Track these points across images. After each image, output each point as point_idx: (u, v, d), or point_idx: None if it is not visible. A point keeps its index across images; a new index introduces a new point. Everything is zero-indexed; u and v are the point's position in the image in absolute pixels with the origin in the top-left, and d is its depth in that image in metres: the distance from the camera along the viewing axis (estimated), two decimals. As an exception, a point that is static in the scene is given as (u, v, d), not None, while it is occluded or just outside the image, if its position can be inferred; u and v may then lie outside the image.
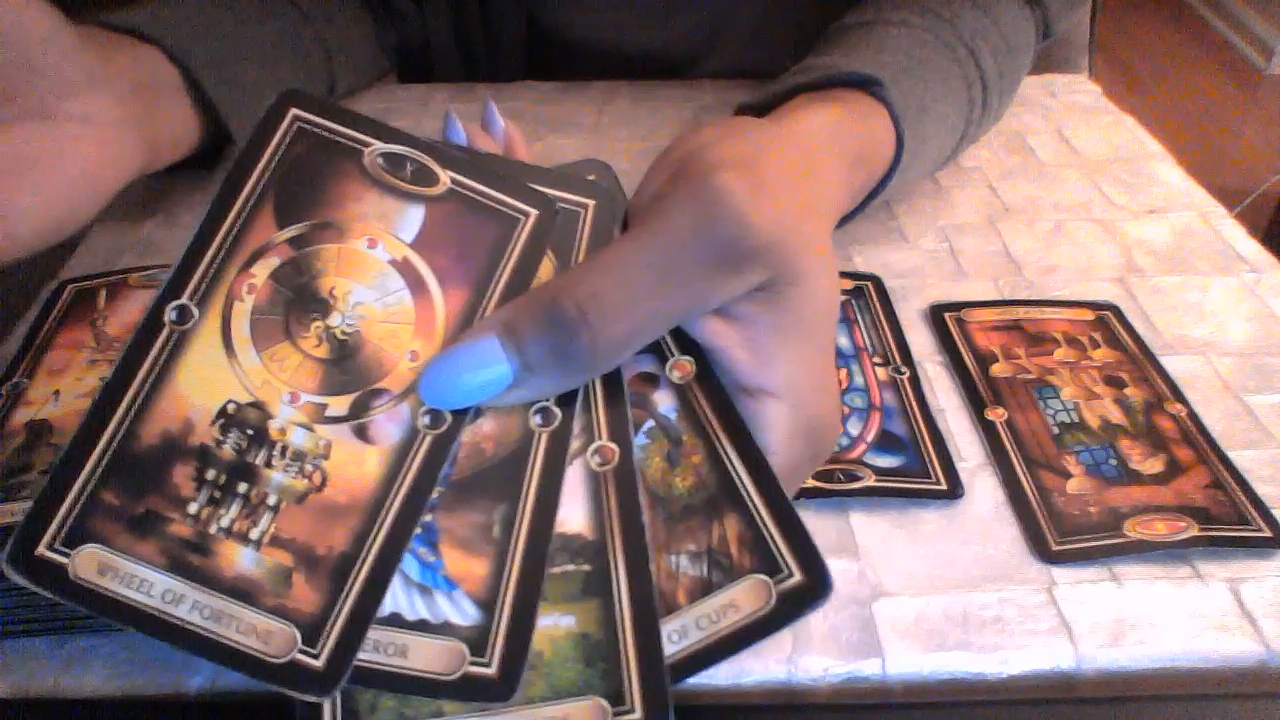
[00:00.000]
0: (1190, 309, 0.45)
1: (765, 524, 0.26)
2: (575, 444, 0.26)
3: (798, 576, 0.25)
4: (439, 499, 0.25)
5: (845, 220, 0.42)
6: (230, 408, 0.25)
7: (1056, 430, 0.37)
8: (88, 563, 0.23)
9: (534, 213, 0.28)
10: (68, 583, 0.23)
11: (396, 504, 0.24)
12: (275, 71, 0.52)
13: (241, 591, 0.23)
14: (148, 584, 0.23)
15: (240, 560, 0.23)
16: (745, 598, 0.25)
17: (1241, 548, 0.33)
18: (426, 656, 0.23)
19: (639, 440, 0.27)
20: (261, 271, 0.26)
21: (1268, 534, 0.33)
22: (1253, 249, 0.49)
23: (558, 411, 0.26)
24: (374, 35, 0.63)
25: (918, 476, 0.35)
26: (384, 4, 0.63)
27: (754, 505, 0.26)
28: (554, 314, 0.25)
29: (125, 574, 0.23)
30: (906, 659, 0.30)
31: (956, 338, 0.42)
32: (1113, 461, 0.36)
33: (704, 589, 0.25)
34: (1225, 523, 0.33)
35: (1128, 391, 0.39)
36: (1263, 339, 0.43)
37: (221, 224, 0.27)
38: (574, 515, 0.25)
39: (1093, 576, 0.32)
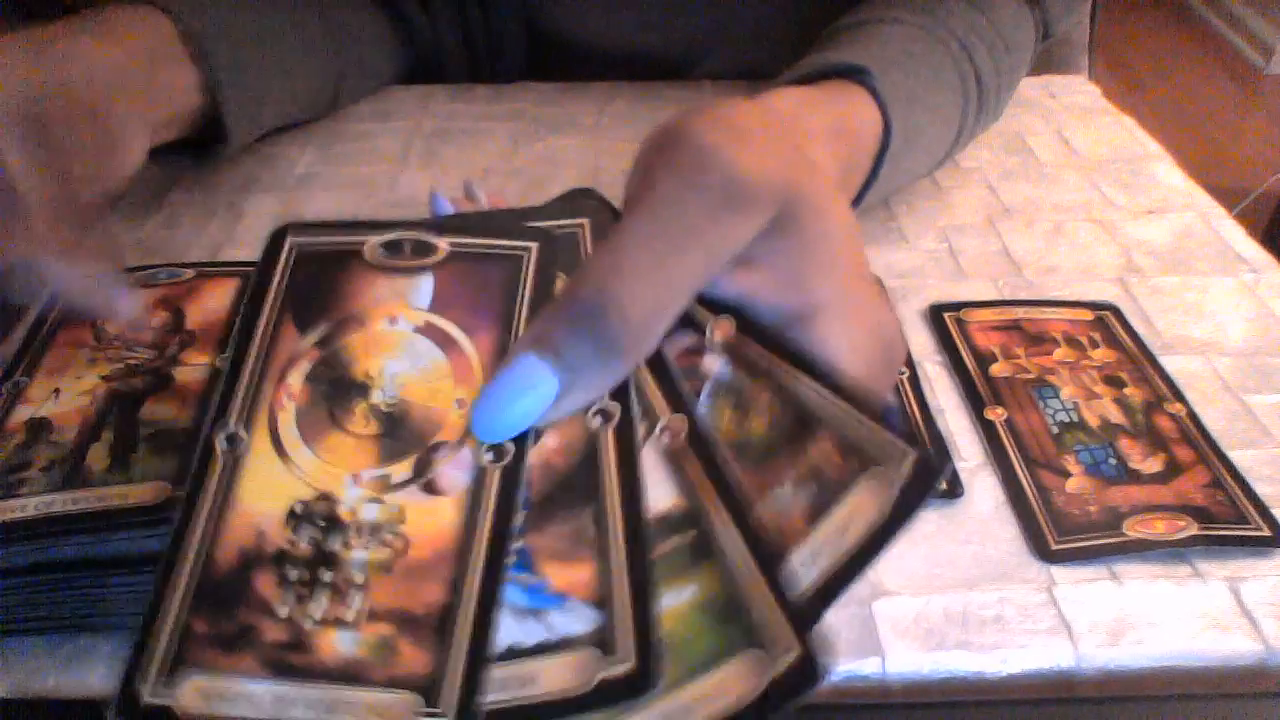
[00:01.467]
0: (1190, 309, 0.45)
1: (859, 423, 0.25)
2: (640, 429, 0.26)
3: (913, 453, 0.23)
4: (524, 524, 0.25)
5: None
6: (298, 508, 0.25)
7: (1056, 430, 0.37)
8: (192, 695, 0.22)
9: (534, 245, 0.29)
10: None
11: (483, 542, 0.24)
12: (281, 60, 0.52)
13: (349, 675, 0.23)
14: (255, 697, 0.22)
15: (340, 645, 0.23)
16: (864, 502, 0.24)
17: (1241, 547, 0.33)
18: (555, 677, 0.23)
19: (703, 402, 0.27)
20: (296, 378, 0.27)
21: (1267, 533, 0.33)
22: (1252, 249, 0.49)
23: (615, 405, 0.26)
24: (387, 42, 0.63)
25: (917, 476, 0.35)
26: (394, 12, 0.63)
27: (841, 411, 0.25)
28: (576, 305, 0.25)
29: (232, 694, 0.22)
30: (906, 658, 0.30)
31: (956, 338, 0.42)
32: (1112, 461, 0.36)
33: (819, 508, 0.24)
34: (1225, 522, 0.33)
35: (1127, 391, 0.39)
36: (1262, 339, 0.43)
37: (249, 350, 0.27)
38: (661, 495, 0.25)
39: (1092, 576, 0.32)
